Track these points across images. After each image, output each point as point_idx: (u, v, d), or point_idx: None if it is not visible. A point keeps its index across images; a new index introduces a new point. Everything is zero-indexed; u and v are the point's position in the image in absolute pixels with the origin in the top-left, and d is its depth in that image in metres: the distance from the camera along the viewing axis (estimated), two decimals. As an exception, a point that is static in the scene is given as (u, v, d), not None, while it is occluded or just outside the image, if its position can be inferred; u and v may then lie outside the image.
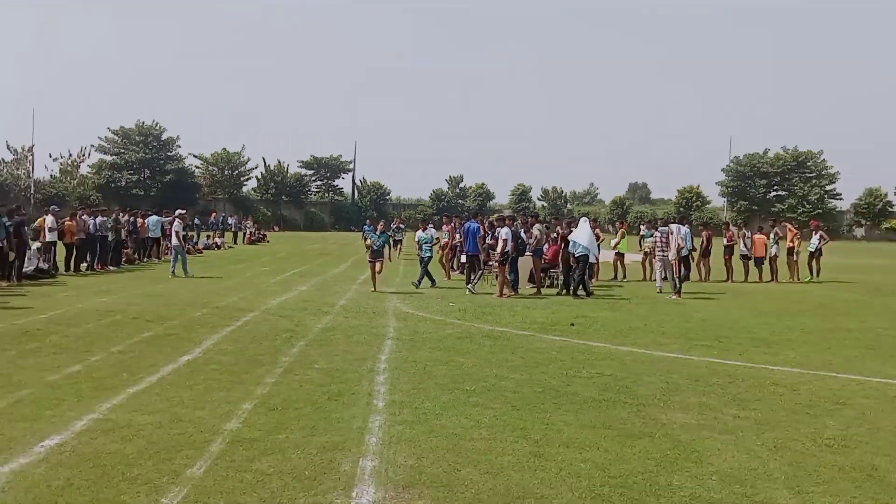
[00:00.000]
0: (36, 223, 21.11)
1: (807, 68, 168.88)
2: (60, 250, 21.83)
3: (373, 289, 17.47)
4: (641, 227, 27.53)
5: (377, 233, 18.87)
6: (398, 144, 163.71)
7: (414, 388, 7.84)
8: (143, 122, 78.00)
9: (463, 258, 19.48)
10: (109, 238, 23.86)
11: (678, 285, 17.87)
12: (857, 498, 5.03)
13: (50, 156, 75.92)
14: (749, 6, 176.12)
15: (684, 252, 18.27)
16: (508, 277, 17.49)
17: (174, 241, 22.05)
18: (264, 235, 50.84)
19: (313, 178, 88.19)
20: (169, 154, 78.89)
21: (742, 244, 23.41)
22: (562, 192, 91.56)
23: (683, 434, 6.39)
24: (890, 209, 77.92)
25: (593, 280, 18.80)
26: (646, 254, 23.23)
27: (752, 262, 23.10)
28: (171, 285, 19.07)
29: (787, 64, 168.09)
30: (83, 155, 76.33)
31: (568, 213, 70.34)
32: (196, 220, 42.04)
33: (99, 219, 23.35)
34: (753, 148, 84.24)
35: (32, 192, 69.77)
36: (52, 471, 5.22)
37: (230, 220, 52.26)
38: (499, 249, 17.43)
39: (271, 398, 7.34)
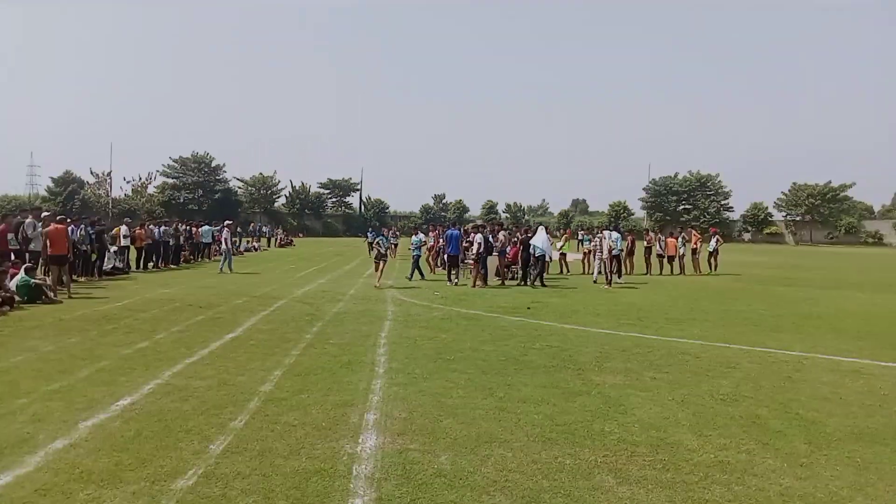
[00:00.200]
0: (113, 231, 20.91)
1: (706, 105, 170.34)
2: (132, 253, 21.69)
3: (377, 283, 16.99)
4: (579, 232, 27.69)
5: (385, 237, 18.23)
6: (396, 168, 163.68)
7: (407, 358, 7.82)
8: (197, 153, 77.42)
9: (445, 257, 19.46)
10: (171, 243, 23.83)
11: (609, 278, 17.96)
12: (744, 439, 5.08)
13: (124, 178, 75.59)
14: (657, 64, 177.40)
15: (615, 252, 18.38)
16: (481, 272, 17.51)
17: (223, 245, 22.09)
18: (291, 241, 50.51)
19: (329, 195, 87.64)
20: (217, 177, 78.24)
21: (657, 245, 23.55)
22: (521, 205, 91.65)
23: (613, 392, 6.42)
24: (770, 219, 78.75)
25: (545, 274, 18.83)
26: (585, 254, 23.35)
27: (665, 260, 23.28)
28: (219, 279, 18.91)
29: (690, 103, 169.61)
30: (150, 178, 76.16)
31: (526, 223, 70.32)
32: (238, 229, 41.73)
33: (162, 228, 23.45)
34: (666, 171, 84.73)
35: (110, 207, 69.23)
36: (125, 424, 5.17)
37: (265, 229, 51.94)
38: (474, 250, 17.50)
39: (297, 366, 7.31)
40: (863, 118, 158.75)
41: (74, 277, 15.79)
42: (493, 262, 18.52)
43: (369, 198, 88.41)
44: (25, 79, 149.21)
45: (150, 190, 75.80)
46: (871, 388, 6.81)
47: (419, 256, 19.98)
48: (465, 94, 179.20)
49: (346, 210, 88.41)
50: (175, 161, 77.00)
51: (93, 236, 17.87)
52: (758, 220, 78.21)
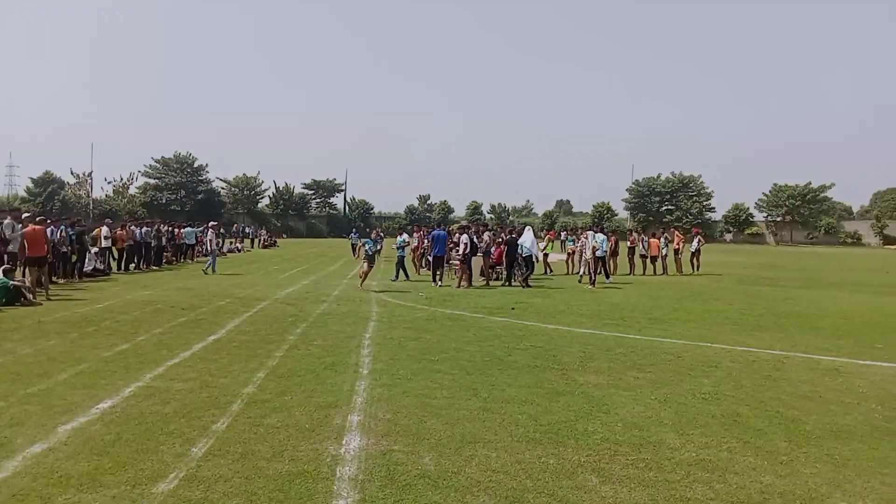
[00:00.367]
0: (94, 232, 20.66)
1: (688, 109, 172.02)
2: (113, 254, 21.39)
3: (360, 285, 16.65)
4: (562, 233, 27.78)
5: (371, 240, 17.54)
6: (380, 169, 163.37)
7: (391, 359, 7.80)
8: (180, 153, 76.77)
9: (430, 258, 19.43)
10: (152, 244, 23.52)
11: (593, 278, 18.05)
12: (725, 438, 5.13)
13: (105, 179, 74.72)
14: (640, 77, 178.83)
15: (599, 253, 18.43)
16: (467, 273, 17.51)
17: (209, 245, 22.25)
18: (275, 241, 50.23)
19: (313, 196, 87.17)
20: (200, 178, 77.59)
21: (641, 246, 23.70)
22: (506, 206, 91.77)
23: (596, 391, 6.44)
24: (751, 219, 79.68)
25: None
26: (568, 254, 23.44)
27: (648, 260, 23.43)
28: (201, 281, 18.73)
29: (673, 107, 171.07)
30: (132, 179, 75.37)
31: (510, 223, 70.51)
32: (222, 230, 41.36)
33: (144, 229, 23.16)
34: (650, 173, 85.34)
35: (91, 208, 68.35)
36: (105, 427, 5.11)
37: (248, 230, 51.58)
38: (461, 251, 17.53)
39: (280, 368, 7.26)
40: (842, 120, 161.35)
41: (54, 279, 15.58)
42: (477, 262, 18.54)
43: (354, 198, 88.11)
44: (3, 77, 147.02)
45: (132, 190, 75.14)
46: (849, 386, 6.91)
47: (403, 257, 19.95)
48: (449, 95, 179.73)
49: (331, 211, 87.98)
50: (157, 161, 76.35)
51: (72, 237, 17.65)
52: (739, 221, 79.13)
